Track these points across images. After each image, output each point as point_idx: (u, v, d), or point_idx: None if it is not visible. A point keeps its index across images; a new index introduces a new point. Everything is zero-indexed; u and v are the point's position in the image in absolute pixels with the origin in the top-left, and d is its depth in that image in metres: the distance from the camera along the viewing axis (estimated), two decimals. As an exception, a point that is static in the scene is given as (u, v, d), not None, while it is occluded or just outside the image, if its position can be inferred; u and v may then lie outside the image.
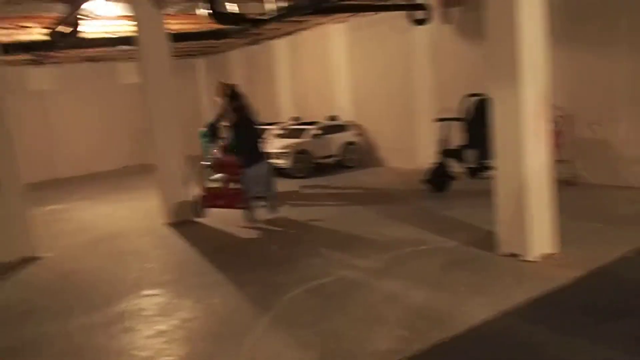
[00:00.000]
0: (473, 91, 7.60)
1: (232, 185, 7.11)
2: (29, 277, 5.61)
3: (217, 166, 7.21)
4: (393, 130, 10.29)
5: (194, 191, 7.29)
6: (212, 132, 8.18)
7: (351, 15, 10.20)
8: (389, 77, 10.18)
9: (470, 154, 7.35)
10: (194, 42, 11.26)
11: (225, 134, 7.78)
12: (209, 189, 7.26)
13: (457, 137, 7.63)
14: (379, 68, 10.34)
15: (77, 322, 4.25)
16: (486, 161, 7.24)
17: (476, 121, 7.38)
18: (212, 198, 7.11)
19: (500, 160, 4.74)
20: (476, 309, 3.82)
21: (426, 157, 9.06)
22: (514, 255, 4.69)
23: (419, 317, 3.77)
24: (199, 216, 7.05)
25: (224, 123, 7.94)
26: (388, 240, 5.62)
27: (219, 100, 7.94)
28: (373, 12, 9.49)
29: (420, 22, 8.94)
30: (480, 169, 7.60)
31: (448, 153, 7.61)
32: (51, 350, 3.81)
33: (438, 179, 7.63)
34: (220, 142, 7.72)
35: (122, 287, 4.98)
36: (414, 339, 3.47)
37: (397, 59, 9.93)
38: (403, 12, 8.97)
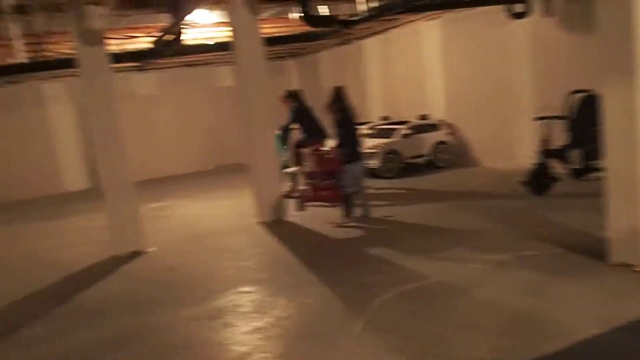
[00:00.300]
0: (577, 87, 7.21)
1: (324, 183, 7.24)
2: (137, 270, 6.01)
3: (316, 162, 7.24)
4: (488, 128, 9.97)
5: (294, 187, 7.42)
6: (284, 136, 8.73)
7: (445, 12, 10.00)
8: (484, 74, 9.87)
9: (575, 154, 6.96)
10: (285, 45, 11.53)
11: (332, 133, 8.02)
12: (309, 185, 7.35)
13: (559, 136, 7.26)
14: (474, 64, 10.06)
15: (181, 314, 4.50)
16: (593, 162, 6.81)
17: (581, 119, 6.99)
18: (314, 194, 7.19)
19: (611, 161, 4.41)
20: (585, 322, 3.61)
21: (525, 157, 8.71)
22: (627, 265, 4.36)
23: (521, 327, 3.64)
24: (301, 210, 7.17)
25: (294, 127, 8.60)
26: (487, 245, 5.46)
27: (284, 105, 8.57)
28: (469, 8, 9.24)
29: (519, 15, 8.59)
30: (586, 170, 7.15)
31: (550, 153, 7.24)
32: (159, 341, 4.06)
33: (539, 180, 7.26)
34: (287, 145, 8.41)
35: (220, 283, 5.22)
36: (516, 349, 3.37)
37: (493, 55, 9.61)
38: (500, 6, 8.67)
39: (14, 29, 6.55)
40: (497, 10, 8.81)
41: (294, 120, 8.71)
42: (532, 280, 4.46)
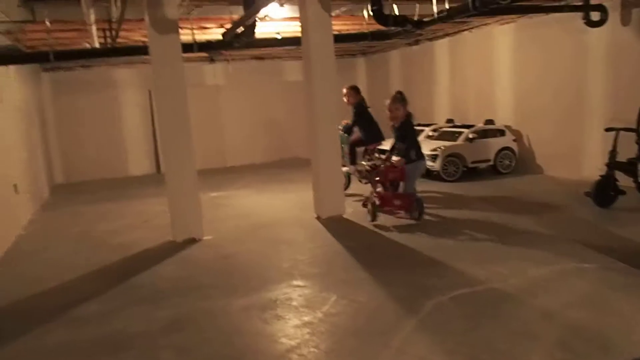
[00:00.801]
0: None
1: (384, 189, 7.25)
2: (193, 257, 6.15)
3: (387, 170, 7.15)
4: (555, 137, 9.63)
5: (370, 195, 7.35)
6: (347, 134, 8.85)
7: (519, 16, 9.71)
8: (555, 81, 9.53)
9: (644, 169, 6.66)
10: (355, 42, 11.50)
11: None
12: (379, 194, 7.22)
13: (629, 148, 6.95)
14: (545, 71, 9.72)
15: (234, 303, 4.58)
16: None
17: None
18: (390, 201, 7.12)
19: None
20: (647, 339, 3.46)
21: (591, 167, 8.42)
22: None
23: (578, 339, 3.50)
24: (374, 220, 7.04)
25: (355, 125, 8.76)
26: (545, 254, 5.30)
27: (348, 99, 8.71)
28: (544, 13, 8.95)
29: (596, 23, 8.26)
30: None
31: (618, 165, 6.95)
32: (212, 327, 4.14)
33: (604, 192, 6.99)
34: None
35: (275, 275, 5.27)
36: (571, 362, 3.24)
37: (567, 62, 9.26)
38: (577, 14, 8.36)
39: (90, 15, 6.79)
40: (573, 17, 8.49)
41: (358, 120, 8.73)
42: (590, 293, 4.31)
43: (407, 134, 7.10)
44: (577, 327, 3.70)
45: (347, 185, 8.82)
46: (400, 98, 7.16)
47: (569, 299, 4.19)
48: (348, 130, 8.88)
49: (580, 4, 8.21)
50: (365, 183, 8.00)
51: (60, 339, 4.11)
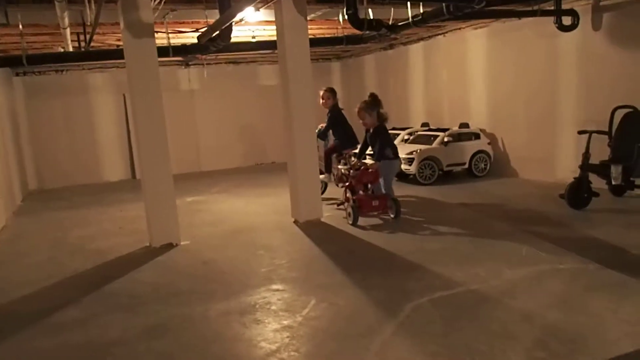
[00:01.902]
0: (622, 103, 7.11)
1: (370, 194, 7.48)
2: (170, 262, 6.08)
3: (362, 174, 7.34)
4: (530, 140, 9.81)
5: (348, 198, 7.44)
6: (322, 139, 8.93)
7: (492, 21, 9.87)
8: (528, 85, 9.71)
9: (616, 170, 6.81)
10: (330, 46, 11.54)
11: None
12: (359, 197, 7.37)
13: (602, 151, 7.11)
14: (519, 75, 9.89)
15: (213, 308, 4.54)
16: (634, 179, 6.80)
17: (625, 135, 6.93)
18: (368, 204, 7.26)
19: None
20: (619, 338, 3.53)
21: (566, 170, 8.60)
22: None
23: (557, 340, 3.54)
24: (355, 223, 7.11)
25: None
26: (522, 256, 5.38)
27: (324, 103, 8.79)
28: (517, 18, 9.12)
29: (567, 28, 8.44)
30: (626, 187, 7.13)
31: (591, 168, 7.10)
32: (191, 333, 4.09)
33: (578, 194, 7.13)
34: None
35: (254, 279, 5.24)
36: (550, 362, 3.29)
37: (539, 66, 9.44)
38: (549, 18, 8.53)
39: (64, 18, 6.69)
40: (546, 21, 8.66)
41: (333, 125, 8.75)
42: (566, 294, 4.38)
43: (379, 136, 7.35)
44: (555, 328, 3.75)
45: (324, 190, 8.84)
46: (368, 107, 7.37)
47: (546, 300, 4.25)
48: (323, 134, 8.89)
49: (552, 8, 8.38)
50: (341, 187, 8.07)
51: (37, 346, 4.03)
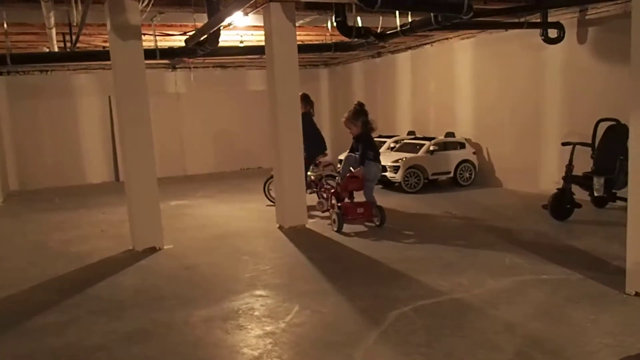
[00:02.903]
0: (605, 116, 7.21)
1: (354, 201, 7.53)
2: (152, 266, 6.02)
3: (348, 181, 7.38)
4: (514, 151, 9.90)
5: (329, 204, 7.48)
6: None
7: (479, 32, 9.97)
8: (514, 96, 9.81)
9: (599, 182, 6.89)
10: (318, 53, 11.58)
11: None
12: (349, 202, 7.45)
13: (585, 162, 7.20)
14: (504, 86, 9.99)
15: (195, 313, 4.50)
16: (616, 191, 6.88)
17: (607, 147, 7.02)
18: (353, 211, 7.31)
19: (634, 191, 4.36)
20: (599, 349, 3.55)
21: (549, 181, 8.70)
22: (647, 296, 4.29)
23: (538, 350, 3.56)
24: (340, 230, 7.13)
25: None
26: (504, 266, 5.41)
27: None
28: (503, 29, 9.22)
29: (553, 40, 8.55)
30: (608, 199, 7.22)
31: (574, 179, 7.17)
32: (172, 338, 4.06)
33: (561, 205, 7.19)
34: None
35: (237, 285, 5.21)
36: (530, 374, 3.31)
37: (524, 78, 9.54)
38: (535, 30, 8.64)
39: (50, 18, 6.62)
40: (532, 33, 8.77)
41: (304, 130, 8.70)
42: (548, 305, 4.40)
43: (361, 141, 7.44)
44: (537, 338, 3.76)
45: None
46: (352, 117, 7.43)
47: (528, 310, 4.27)
48: None
49: (538, 21, 8.49)
50: (310, 193, 8.34)
51: (16, 350, 3.95)
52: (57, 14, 6.56)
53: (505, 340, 3.74)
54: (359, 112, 7.51)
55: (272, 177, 8.63)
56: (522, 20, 8.42)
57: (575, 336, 3.78)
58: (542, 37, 8.60)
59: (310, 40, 10.09)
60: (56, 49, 8.02)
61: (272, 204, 8.53)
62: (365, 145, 7.42)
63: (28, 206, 10.51)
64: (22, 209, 10.20)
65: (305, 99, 8.68)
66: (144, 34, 6.67)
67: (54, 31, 7.13)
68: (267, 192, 9.13)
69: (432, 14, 6.16)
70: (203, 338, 4.02)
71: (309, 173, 8.25)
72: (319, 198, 8.53)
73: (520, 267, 5.38)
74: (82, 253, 6.69)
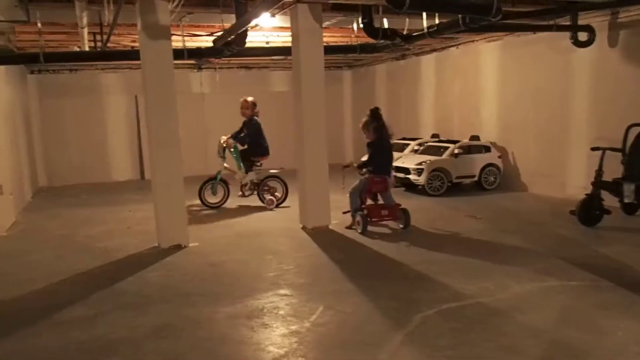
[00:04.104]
0: (637, 121, 7.07)
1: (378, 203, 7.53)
2: (178, 263, 6.09)
3: (372, 183, 7.36)
4: (540, 155, 9.77)
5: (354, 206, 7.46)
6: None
7: (507, 34, 9.87)
8: (541, 100, 9.69)
9: (629, 189, 6.76)
10: (343, 55, 11.58)
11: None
12: (374, 204, 7.46)
13: (615, 168, 7.07)
14: (531, 89, 9.88)
15: (222, 310, 4.54)
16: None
17: (638, 153, 6.88)
18: (377, 213, 7.32)
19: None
20: (634, 358, 3.49)
21: (577, 186, 8.56)
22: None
23: (566, 357, 3.52)
24: (364, 232, 7.12)
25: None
26: (531, 271, 5.34)
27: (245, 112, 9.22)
28: (532, 32, 9.11)
29: (583, 44, 8.43)
30: (638, 206, 7.08)
31: (603, 185, 7.05)
32: (198, 334, 4.10)
33: (589, 211, 7.08)
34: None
35: (260, 284, 5.24)
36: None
37: (552, 81, 9.42)
38: (565, 33, 8.52)
39: (83, 18, 6.74)
40: (561, 36, 8.66)
41: (253, 134, 9.12)
42: (576, 310, 4.35)
43: (369, 150, 7.44)
44: (564, 344, 3.72)
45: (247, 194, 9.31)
46: (367, 124, 7.39)
47: (556, 316, 4.22)
48: (238, 139, 9.30)
49: (568, 23, 8.37)
50: (239, 196, 9.03)
51: (44, 343, 4.03)
52: (89, 14, 6.68)
53: (532, 346, 3.70)
54: (371, 119, 7.39)
55: (208, 181, 9.19)
56: (551, 22, 8.30)
57: (605, 344, 3.72)
58: (572, 40, 8.48)
59: (336, 42, 10.10)
60: (87, 48, 8.15)
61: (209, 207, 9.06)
62: (370, 155, 7.39)
63: (55, 202, 10.70)
64: (50, 205, 10.38)
65: (254, 105, 9.20)
66: (172, 34, 6.74)
67: (85, 31, 7.26)
68: (202, 197, 9.18)
69: (460, 16, 6.13)
70: (229, 334, 4.05)
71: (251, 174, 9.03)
72: (260, 198, 9.13)
73: (548, 272, 5.30)
74: (109, 249, 6.80)
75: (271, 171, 9.36)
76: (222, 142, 9.28)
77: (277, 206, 9.12)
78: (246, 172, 9.23)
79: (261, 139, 9.20)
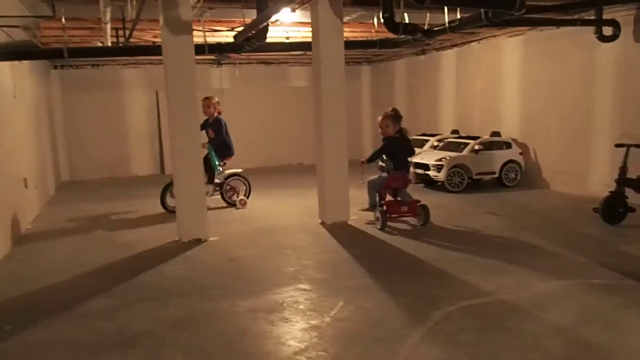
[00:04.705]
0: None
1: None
2: (198, 257, 6.14)
3: (391, 179, 7.31)
4: (563, 151, 9.65)
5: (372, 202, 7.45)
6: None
7: (529, 29, 9.75)
8: (564, 95, 9.55)
9: (654, 186, 6.66)
10: (362, 50, 11.53)
11: None
12: (388, 202, 7.39)
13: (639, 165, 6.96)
14: (554, 85, 9.74)
15: (242, 304, 4.57)
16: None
17: None
18: (397, 209, 7.27)
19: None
20: (654, 357, 3.45)
21: (600, 184, 8.43)
22: None
23: (590, 356, 3.48)
24: (383, 228, 7.10)
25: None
26: (554, 269, 5.28)
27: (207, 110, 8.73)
28: (555, 27, 8.99)
29: (608, 38, 8.28)
30: None
31: (627, 182, 6.94)
32: (218, 327, 4.13)
33: (613, 209, 6.97)
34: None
35: (279, 278, 5.25)
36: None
37: (575, 76, 9.28)
38: (588, 28, 8.38)
39: (106, 13, 6.81)
40: (584, 31, 8.52)
41: (222, 134, 8.76)
42: (599, 309, 4.29)
43: (383, 146, 7.32)
44: (588, 344, 3.67)
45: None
46: (392, 115, 7.32)
47: (579, 315, 4.17)
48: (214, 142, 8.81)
49: (592, 18, 8.23)
50: (211, 195, 8.60)
51: (66, 333, 4.10)
52: (112, 9, 6.74)
53: (554, 344, 3.65)
54: (394, 117, 7.35)
55: (171, 183, 7.78)
56: (575, 17, 8.17)
57: (629, 343, 3.67)
58: (596, 35, 8.34)
59: (355, 37, 10.06)
60: (109, 44, 8.23)
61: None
62: (380, 149, 7.32)
63: (78, 196, 10.85)
64: (73, 199, 10.53)
65: (218, 103, 8.87)
66: (193, 30, 6.78)
67: (108, 26, 7.32)
68: (164, 202, 8.39)
69: (482, 10, 6.05)
70: (249, 328, 4.07)
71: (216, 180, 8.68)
72: (224, 198, 8.98)
73: (571, 270, 5.24)
74: (130, 242, 6.88)
75: (232, 171, 9.09)
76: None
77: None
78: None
79: (228, 138, 8.89)
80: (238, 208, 8.87)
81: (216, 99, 8.97)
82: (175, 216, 6.92)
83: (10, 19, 5.56)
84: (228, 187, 9.05)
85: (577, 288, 4.76)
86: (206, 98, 8.77)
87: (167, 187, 8.30)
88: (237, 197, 9.03)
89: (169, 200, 8.26)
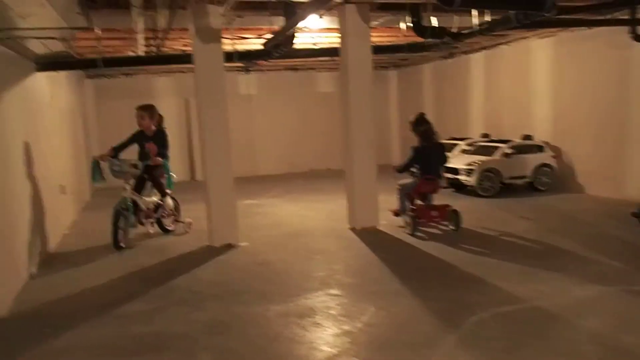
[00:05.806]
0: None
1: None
2: (230, 262, 6.21)
3: (421, 184, 7.28)
4: (597, 154, 9.44)
5: (402, 207, 7.41)
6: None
7: (560, 30, 9.59)
8: (598, 97, 9.36)
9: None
10: (390, 54, 11.49)
11: None
12: (418, 207, 7.34)
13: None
14: (586, 86, 9.56)
15: (273, 308, 4.59)
16: None
17: None
18: (427, 214, 7.25)
19: None
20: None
21: (637, 187, 8.23)
22: None
23: (625, 363, 3.41)
24: (414, 233, 7.05)
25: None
26: (591, 275, 5.16)
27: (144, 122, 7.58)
28: (587, 27, 8.83)
29: (643, 38, 8.10)
30: None
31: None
32: (251, 331, 4.17)
33: (651, 213, 6.82)
34: None
35: (311, 283, 5.27)
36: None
37: (610, 78, 9.09)
38: (622, 28, 8.21)
39: (139, 23, 6.95)
40: (618, 31, 8.34)
41: (165, 147, 7.56)
42: (637, 317, 4.18)
43: (412, 156, 7.28)
44: (627, 352, 3.59)
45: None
46: (415, 123, 7.34)
47: (617, 322, 4.07)
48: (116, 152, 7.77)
49: (626, 17, 8.05)
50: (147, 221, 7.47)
51: (105, 336, 4.19)
52: (144, 19, 6.87)
53: (592, 352, 3.58)
54: (417, 124, 7.35)
55: (119, 214, 7.16)
56: (608, 17, 8.01)
57: (670, 350, 3.57)
58: (631, 35, 8.16)
59: (382, 42, 10.03)
60: (142, 53, 8.40)
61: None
62: (410, 159, 7.27)
63: (111, 202, 10.95)
64: (107, 204, 10.63)
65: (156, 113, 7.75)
66: (223, 37, 6.87)
67: (141, 36, 7.47)
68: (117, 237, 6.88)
69: (512, 12, 5.99)
70: (281, 333, 4.09)
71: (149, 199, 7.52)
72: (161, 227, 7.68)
73: (608, 276, 5.12)
74: (162, 246, 6.99)
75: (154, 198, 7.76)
76: (98, 159, 7.78)
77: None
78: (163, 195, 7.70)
79: (162, 146, 7.53)
80: (187, 231, 7.69)
81: (143, 110, 7.63)
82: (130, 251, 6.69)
83: (47, 31, 5.71)
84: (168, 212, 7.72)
85: (615, 294, 4.65)
86: (140, 107, 7.62)
87: (117, 218, 7.06)
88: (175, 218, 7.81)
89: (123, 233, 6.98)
